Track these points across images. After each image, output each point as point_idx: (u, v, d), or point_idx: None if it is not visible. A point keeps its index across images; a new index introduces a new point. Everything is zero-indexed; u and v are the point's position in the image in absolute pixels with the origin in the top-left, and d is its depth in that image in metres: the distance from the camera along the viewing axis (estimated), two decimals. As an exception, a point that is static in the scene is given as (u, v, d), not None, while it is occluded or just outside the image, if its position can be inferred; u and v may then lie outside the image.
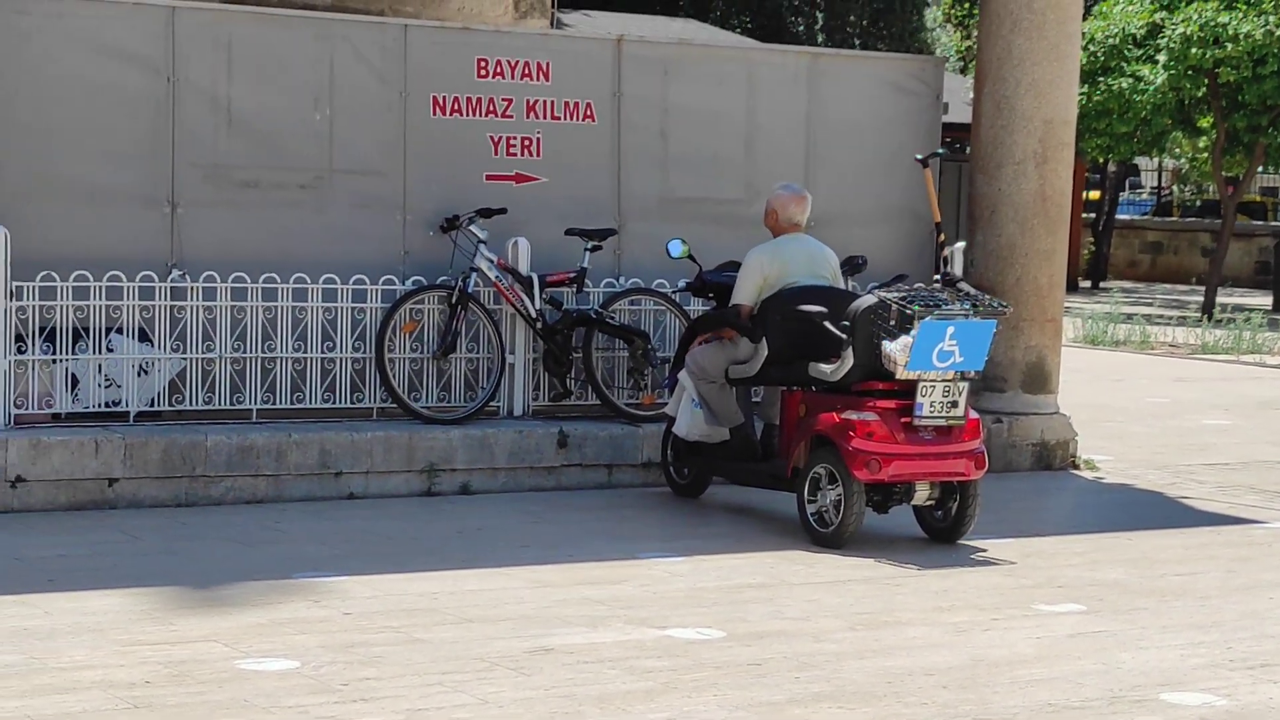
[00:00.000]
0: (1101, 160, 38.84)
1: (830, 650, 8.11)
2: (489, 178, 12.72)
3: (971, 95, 14.60)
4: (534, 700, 7.13)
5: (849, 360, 10.56)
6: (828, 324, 10.74)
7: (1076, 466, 14.07)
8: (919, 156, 12.99)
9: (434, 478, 11.84)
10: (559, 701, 7.12)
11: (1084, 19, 33.63)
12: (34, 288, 11.18)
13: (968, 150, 14.51)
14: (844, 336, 10.60)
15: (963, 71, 40.22)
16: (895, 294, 10.60)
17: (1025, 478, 13.59)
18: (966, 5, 46.19)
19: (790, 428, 11.03)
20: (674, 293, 12.92)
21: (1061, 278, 14.03)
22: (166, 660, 7.50)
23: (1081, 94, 31.07)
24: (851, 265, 12.66)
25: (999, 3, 13.84)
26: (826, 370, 10.69)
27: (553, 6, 17.86)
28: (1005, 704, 7.34)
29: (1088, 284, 42.08)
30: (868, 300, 10.67)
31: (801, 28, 49.46)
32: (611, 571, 9.66)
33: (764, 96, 13.72)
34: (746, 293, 11.32)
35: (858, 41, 48.09)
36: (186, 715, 6.76)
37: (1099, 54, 31.77)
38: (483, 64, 12.72)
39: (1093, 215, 44.17)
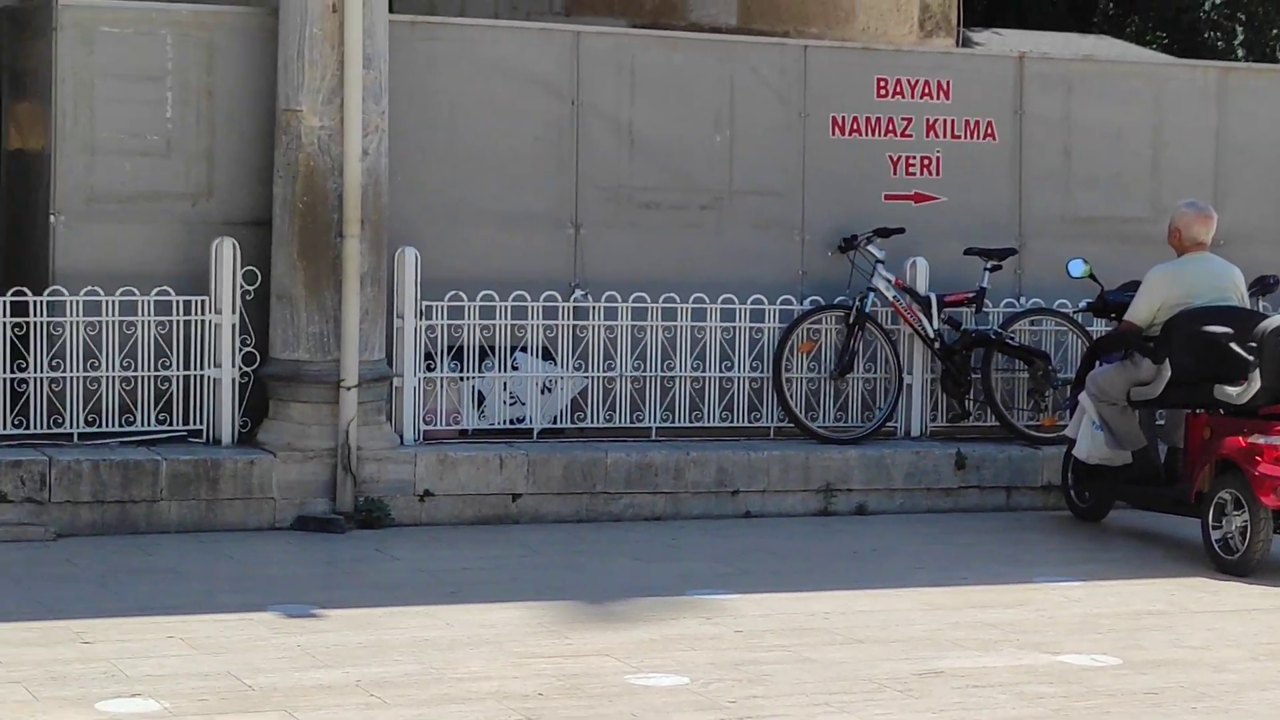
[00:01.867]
0: None
1: (1231, 680, 7.88)
2: (887, 197, 12.68)
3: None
4: (921, 723, 7.09)
5: (1256, 382, 10.26)
6: (1234, 345, 10.45)
7: None
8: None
9: (830, 497, 11.84)
10: (946, 725, 7.08)
11: None
12: (443, 307, 11.49)
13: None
14: (1251, 358, 10.31)
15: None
16: (1306, 314, 10.28)
17: None
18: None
19: (1194, 451, 10.76)
20: (1075, 313, 12.68)
21: None
22: (559, 673, 7.65)
23: None
24: (1262, 285, 12.32)
25: None
26: (1233, 393, 10.41)
27: (958, 25, 17.71)
28: None
29: None
30: (1276, 320, 10.36)
31: (1220, 42, 48.10)
32: (1005, 595, 9.54)
33: (1170, 112, 13.40)
34: (1139, 312, 11.07)
35: (1282, 55, 46.53)
36: (576, 727, 6.91)
37: None
38: (882, 84, 12.70)
39: None
